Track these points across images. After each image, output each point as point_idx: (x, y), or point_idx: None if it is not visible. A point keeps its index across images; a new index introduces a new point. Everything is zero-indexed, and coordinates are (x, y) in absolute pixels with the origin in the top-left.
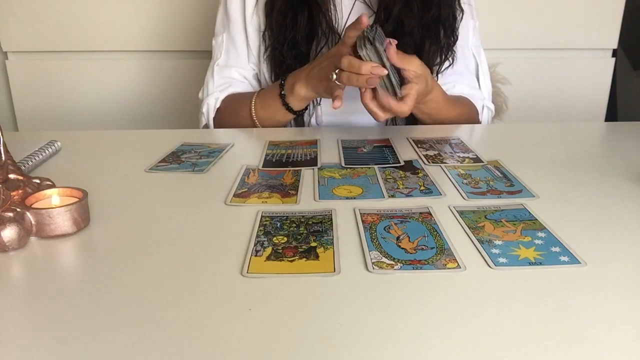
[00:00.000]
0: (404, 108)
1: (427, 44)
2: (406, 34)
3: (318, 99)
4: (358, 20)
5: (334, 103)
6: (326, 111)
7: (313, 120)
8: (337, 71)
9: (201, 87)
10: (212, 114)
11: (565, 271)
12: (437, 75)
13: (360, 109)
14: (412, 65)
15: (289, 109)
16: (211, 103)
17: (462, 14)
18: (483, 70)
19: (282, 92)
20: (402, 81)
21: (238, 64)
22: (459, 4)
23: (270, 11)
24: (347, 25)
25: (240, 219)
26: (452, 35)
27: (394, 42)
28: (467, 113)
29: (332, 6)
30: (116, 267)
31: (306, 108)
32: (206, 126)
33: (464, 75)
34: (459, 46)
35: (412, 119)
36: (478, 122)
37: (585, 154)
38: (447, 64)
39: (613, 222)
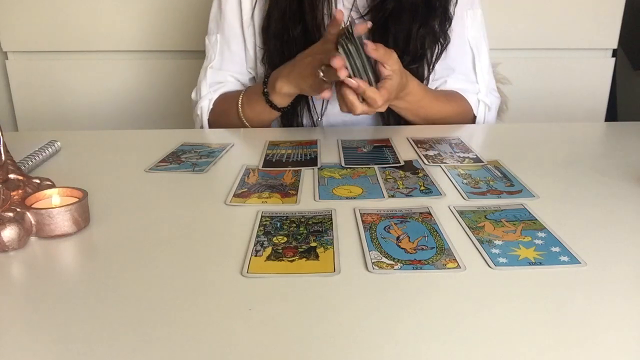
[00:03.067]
0: (378, 100)
1: (416, 27)
2: (403, 12)
3: (320, 114)
4: (335, 18)
5: (322, 94)
6: (327, 125)
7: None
8: (323, 68)
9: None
10: (205, 117)
11: (565, 271)
12: (432, 65)
13: (362, 119)
14: (390, 61)
15: (273, 106)
16: (205, 106)
17: None
18: (481, 63)
19: (265, 90)
20: (377, 78)
21: (233, 67)
22: None
23: (267, 25)
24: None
25: (240, 219)
26: (444, 16)
27: (369, 42)
28: (457, 107)
29: (328, 18)
30: (116, 267)
31: (291, 105)
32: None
33: (457, 69)
34: (455, 39)
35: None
36: (473, 117)
37: (585, 154)
38: (442, 54)
39: (613, 222)
